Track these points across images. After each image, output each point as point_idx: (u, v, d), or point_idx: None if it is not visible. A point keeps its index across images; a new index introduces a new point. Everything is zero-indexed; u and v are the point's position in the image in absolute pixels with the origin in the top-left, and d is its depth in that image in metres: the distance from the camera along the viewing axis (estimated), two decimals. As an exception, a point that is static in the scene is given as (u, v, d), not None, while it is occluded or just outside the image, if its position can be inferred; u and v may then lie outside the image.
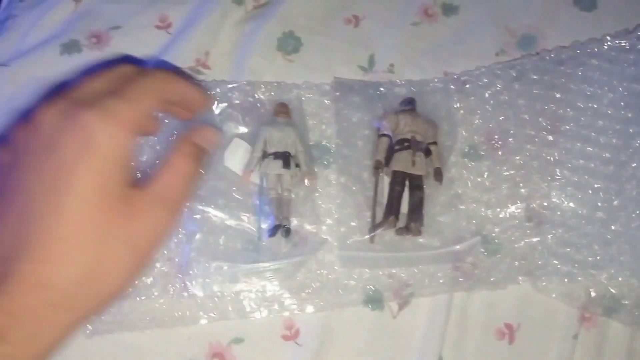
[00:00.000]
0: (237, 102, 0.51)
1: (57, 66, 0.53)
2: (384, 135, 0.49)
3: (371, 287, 0.47)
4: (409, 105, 0.50)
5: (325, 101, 0.52)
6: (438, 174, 0.48)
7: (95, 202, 0.29)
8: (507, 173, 0.49)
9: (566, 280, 0.46)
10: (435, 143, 0.49)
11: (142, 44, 0.54)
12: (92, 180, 0.29)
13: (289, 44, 0.55)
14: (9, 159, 0.31)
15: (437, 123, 0.50)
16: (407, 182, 0.48)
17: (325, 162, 0.50)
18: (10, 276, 0.27)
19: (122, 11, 0.56)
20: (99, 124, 0.29)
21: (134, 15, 0.56)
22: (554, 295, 0.46)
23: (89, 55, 0.54)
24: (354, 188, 0.48)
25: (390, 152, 0.48)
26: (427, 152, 0.49)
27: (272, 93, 0.51)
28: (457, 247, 0.47)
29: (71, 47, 0.54)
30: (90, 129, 0.29)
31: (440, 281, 0.47)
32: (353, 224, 0.47)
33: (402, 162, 0.47)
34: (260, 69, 0.53)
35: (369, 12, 0.57)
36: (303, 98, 0.51)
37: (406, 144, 0.48)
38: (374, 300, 0.47)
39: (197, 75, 0.53)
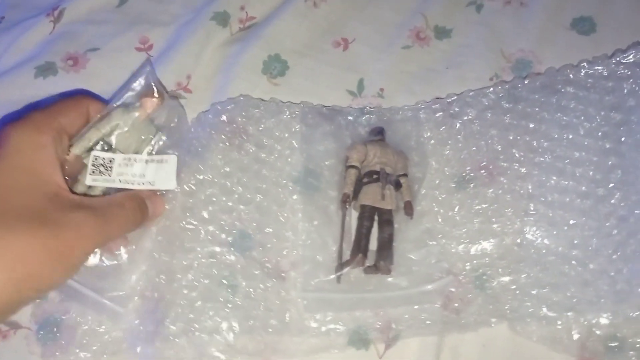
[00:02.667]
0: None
1: (31, 89, 0.51)
2: (352, 166, 0.46)
3: (356, 325, 0.44)
4: (379, 135, 0.48)
5: (297, 126, 0.49)
6: (408, 208, 0.46)
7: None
8: (479, 207, 0.46)
9: (544, 322, 0.43)
10: (405, 175, 0.47)
11: (121, 66, 0.52)
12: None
13: (275, 67, 0.53)
14: None
15: (407, 154, 0.48)
16: (376, 217, 0.45)
17: (290, 187, 0.47)
18: None
19: (102, 32, 0.54)
20: (18, 133, 0.36)
21: (114, 37, 0.54)
22: (534, 339, 0.43)
23: (65, 78, 0.52)
24: (315, 222, 0.45)
25: (359, 185, 0.46)
26: (397, 185, 0.46)
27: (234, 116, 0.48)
28: (429, 287, 0.44)
29: (46, 69, 0.52)
30: (8, 138, 0.36)
31: (428, 322, 0.44)
32: (319, 257, 0.45)
33: (370, 195, 0.45)
34: (243, 93, 0.51)
35: (359, 35, 0.55)
36: (272, 119, 0.49)
37: (375, 177, 0.45)
38: (359, 340, 0.44)
39: (179, 99, 0.51)
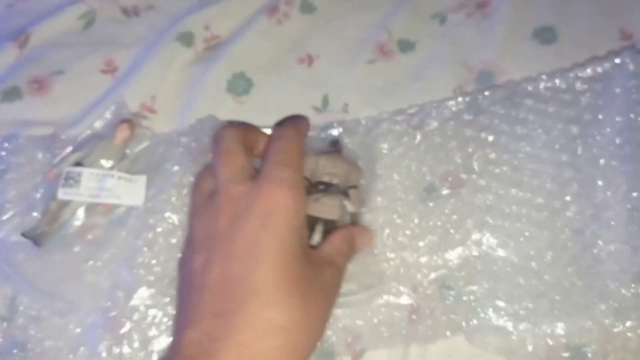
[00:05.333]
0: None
1: None
2: None
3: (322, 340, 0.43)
4: (333, 147, 0.48)
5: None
6: (355, 220, 0.46)
7: (282, 267, 0.33)
8: (439, 218, 0.46)
9: (500, 333, 0.43)
10: (355, 187, 0.46)
11: (86, 88, 0.52)
12: (279, 246, 0.34)
13: (240, 85, 0.53)
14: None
15: (369, 166, 0.48)
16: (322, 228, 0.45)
17: None
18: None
19: (67, 56, 0.54)
20: (282, 194, 0.35)
21: (79, 60, 0.54)
22: (490, 350, 0.43)
23: (30, 102, 0.52)
24: None
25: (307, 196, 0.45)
26: (346, 196, 0.46)
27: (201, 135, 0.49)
28: (359, 296, 0.43)
29: (12, 93, 0.52)
30: (275, 199, 0.35)
31: (385, 335, 0.44)
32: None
33: (314, 206, 0.44)
34: (209, 112, 0.51)
35: (323, 51, 0.54)
36: None
37: (321, 187, 0.45)
38: (325, 354, 0.44)
39: (142, 121, 0.51)
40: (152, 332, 0.44)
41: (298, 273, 0.34)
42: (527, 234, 0.44)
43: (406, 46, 0.55)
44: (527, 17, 0.54)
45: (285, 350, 0.33)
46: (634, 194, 0.43)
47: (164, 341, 0.44)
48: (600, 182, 0.44)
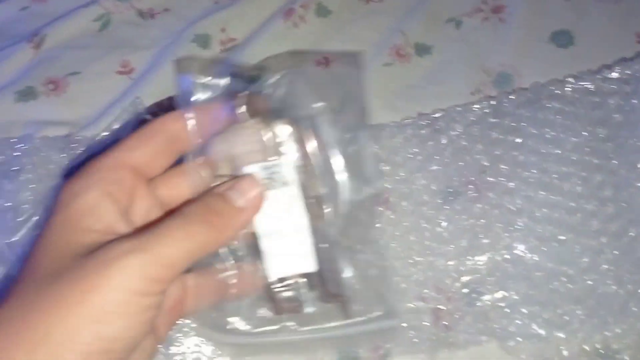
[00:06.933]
0: None
1: (12, 114, 0.50)
2: None
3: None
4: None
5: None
6: None
7: None
8: (467, 223, 0.44)
9: (534, 340, 0.41)
10: None
11: (102, 89, 0.51)
12: None
13: None
14: None
15: (392, 170, 0.46)
16: None
17: None
18: None
19: (83, 57, 0.52)
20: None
21: (95, 61, 0.52)
22: (523, 357, 0.41)
23: (45, 102, 0.50)
24: None
25: None
26: None
27: None
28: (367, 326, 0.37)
29: (27, 94, 0.50)
30: None
31: (415, 340, 0.42)
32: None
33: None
34: (225, 113, 0.51)
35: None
36: None
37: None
38: (350, 359, 0.42)
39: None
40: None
41: None
42: (560, 237, 0.42)
43: (423, 49, 0.53)
44: (543, 21, 0.53)
45: None
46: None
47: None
48: (639, 186, 0.43)
